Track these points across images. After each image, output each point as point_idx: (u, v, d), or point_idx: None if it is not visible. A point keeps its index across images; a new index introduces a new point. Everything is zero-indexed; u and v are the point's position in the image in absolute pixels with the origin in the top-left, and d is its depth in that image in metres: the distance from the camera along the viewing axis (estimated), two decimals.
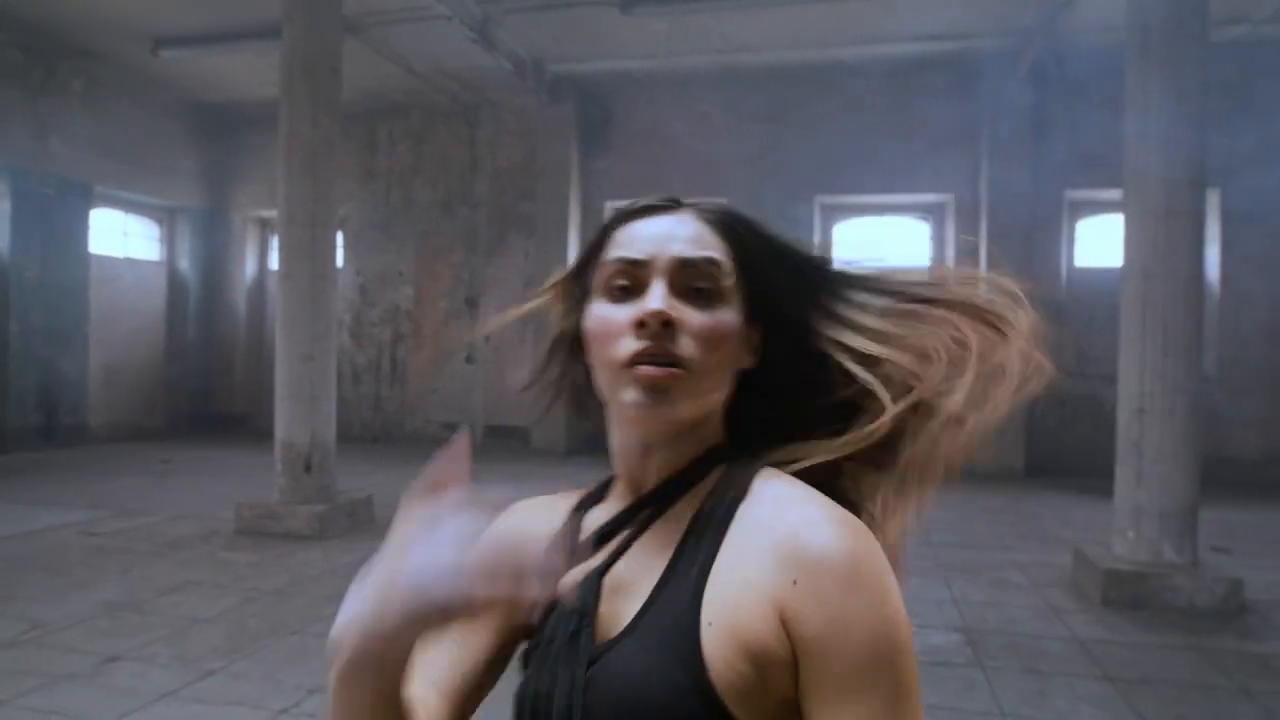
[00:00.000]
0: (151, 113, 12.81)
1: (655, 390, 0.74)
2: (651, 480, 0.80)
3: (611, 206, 12.09)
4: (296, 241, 6.70)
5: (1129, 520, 5.17)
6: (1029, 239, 10.64)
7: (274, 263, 14.33)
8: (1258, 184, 9.89)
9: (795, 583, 0.66)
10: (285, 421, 6.70)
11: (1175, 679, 3.82)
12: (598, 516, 0.83)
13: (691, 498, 0.78)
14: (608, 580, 0.76)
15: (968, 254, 10.92)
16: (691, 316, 0.76)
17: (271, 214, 13.91)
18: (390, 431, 13.36)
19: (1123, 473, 5.27)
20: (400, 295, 13.41)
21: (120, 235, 13.06)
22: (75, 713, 3.22)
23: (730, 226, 0.82)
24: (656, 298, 0.76)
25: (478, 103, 12.73)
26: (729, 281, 0.79)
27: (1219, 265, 10.11)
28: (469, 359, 13.04)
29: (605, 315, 0.78)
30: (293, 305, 6.72)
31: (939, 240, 11.74)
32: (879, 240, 12.03)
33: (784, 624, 0.66)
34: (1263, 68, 9.58)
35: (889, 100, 11.21)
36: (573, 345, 0.85)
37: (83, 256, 11.78)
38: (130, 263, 13.10)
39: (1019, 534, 6.95)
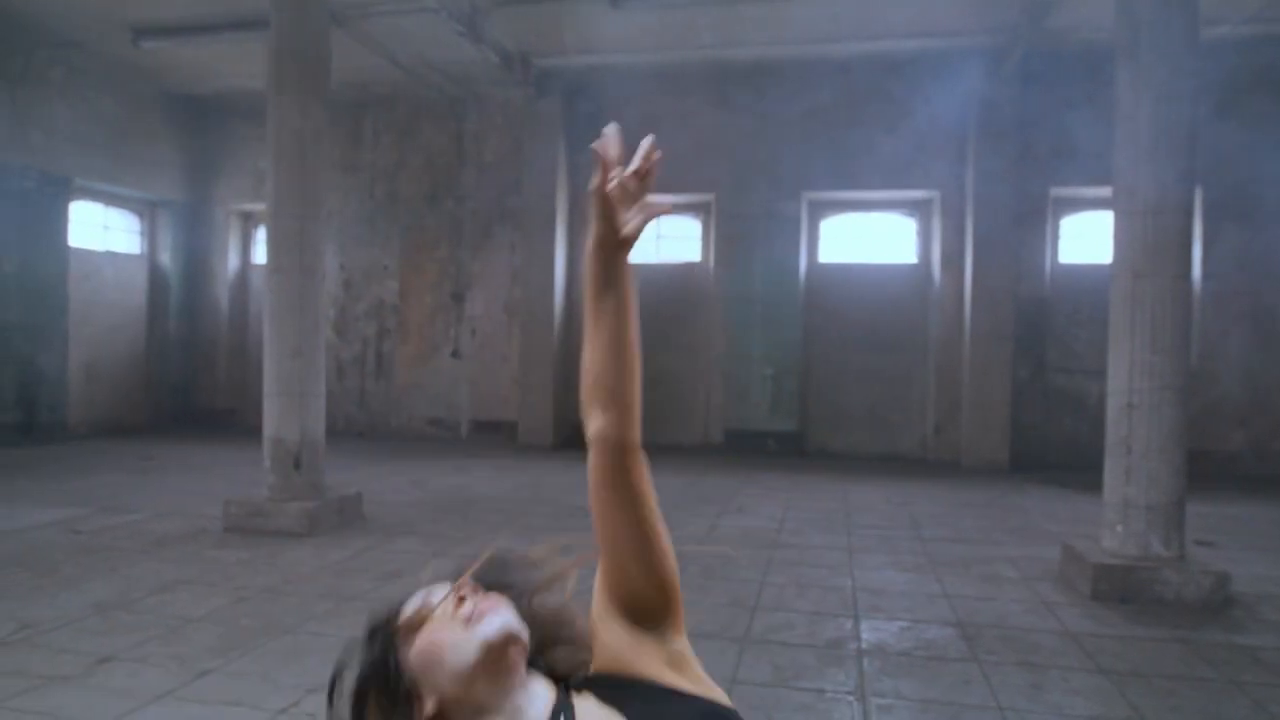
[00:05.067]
0: (132, 104, 12.64)
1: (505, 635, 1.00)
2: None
3: None
4: (285, 234, 6.62)
5: (1118, 514, 5.22)
6: (1014, 235, 10.73)
7: (257, 257, 14.20)
8: (1237, 180, 10.03)
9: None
10: (274, 418, 6.62)
11: (1167, 672, 3.87)
12: None
13: None
14: None
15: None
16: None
17: (254, 207, 13.78)
18: (376, 427, 13.28)
19: (1112, 467, 5.32)
20: (385, 290, 13.32)
21: (100, 229, 12.88)
22: (70, 715, 3.17)
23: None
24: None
25: (464, 96, 12.65)
26: None
27: (1200, 261, 10.23)
28: (454, 354, 12.99)
29: (434, 630, 1.00)
30: (281, 300, 6.64)
31: (925, 236, 11.80)
32: (866, 236, 12.05)
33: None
34: (1241, 67, 9.70)
35: (877, 97, 11.25)
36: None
37: (62, 250, 11.61)
38: (110, 256, 12.93)
39: (1007, 528, 7.01)
